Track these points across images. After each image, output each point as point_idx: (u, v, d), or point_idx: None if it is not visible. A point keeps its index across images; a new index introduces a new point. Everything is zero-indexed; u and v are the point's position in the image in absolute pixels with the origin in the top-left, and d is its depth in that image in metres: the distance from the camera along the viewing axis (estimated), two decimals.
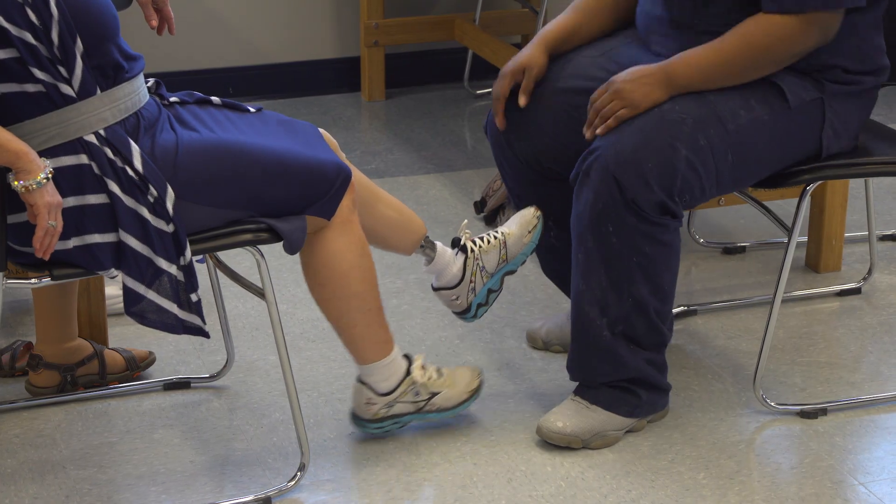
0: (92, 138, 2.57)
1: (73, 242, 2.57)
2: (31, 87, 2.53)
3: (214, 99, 2.84)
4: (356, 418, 2.93)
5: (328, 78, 5.10)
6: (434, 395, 2.93)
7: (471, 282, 3.01)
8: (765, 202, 3.28)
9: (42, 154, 2.52)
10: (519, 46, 5.08)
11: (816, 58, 2.87)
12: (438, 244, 3.01)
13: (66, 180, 2.55)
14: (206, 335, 2.68)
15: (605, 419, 2.92)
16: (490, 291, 3.03)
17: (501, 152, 3.10)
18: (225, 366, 3.18)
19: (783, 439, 3.00)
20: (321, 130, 2.89)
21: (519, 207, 3.12)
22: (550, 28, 3.07)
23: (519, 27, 5.13)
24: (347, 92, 5.10)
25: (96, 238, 2.58)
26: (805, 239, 3.74)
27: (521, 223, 3.03)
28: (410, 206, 4.00)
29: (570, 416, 2.92)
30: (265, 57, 5.03)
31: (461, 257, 3.00)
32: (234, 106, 2.86)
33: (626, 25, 3.11)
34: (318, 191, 2.72)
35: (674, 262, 2.87)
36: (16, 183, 2.46)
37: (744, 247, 3.85)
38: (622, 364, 2.89)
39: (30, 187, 2.46)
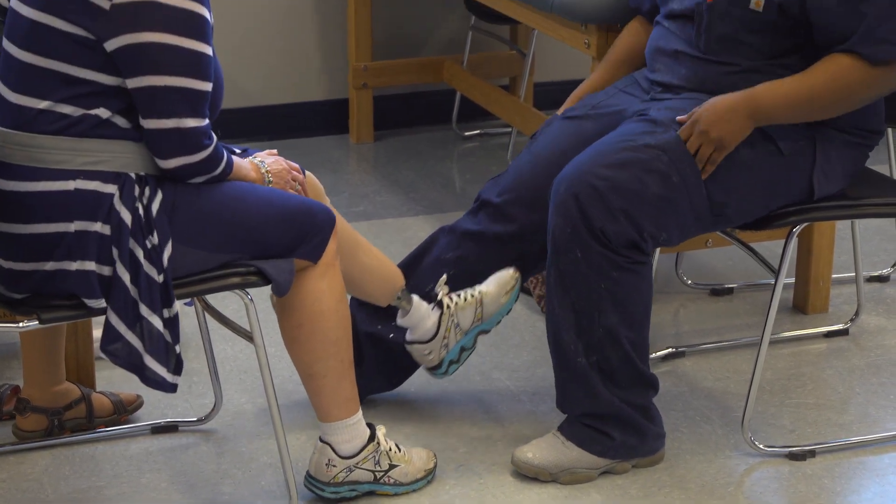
0: (133, 175, 2.60)
1: (74, 266, 2.58)
2: (104, 113, 2.57)
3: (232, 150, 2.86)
4: (312, 480, 2.86)
5: (316, 120, 5.11)
6: (393, 467, 2.89)
7: (444, 338, 3.01)
8: (752, 243, 3.30)
9: (79, 175, 2.56)
10: (507, 88, 5.11)
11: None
12: (415, 297, 3.01)
13: (82, 204, 2.57)
14: (171, 390, 2.67)
15: (577, 456, 2.92)
16: (463, 349, 3.04)
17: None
18: (213, 409, 3.17)
19: (772, 481, 3.00)
20: (307, 174, 2.90)
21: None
22: (582, 89, 3.21)
23: (507, 69, 5.15)
24: (336, 134, 5.11)
25: (92, 266, 2.59)
26: (792, 280, 3.74)
27: (499, 283, 3.03)
28: (398, 249, 4.02)
29: (544, 448, 2.93)
30: (254, 99, 5.04)
31: (437, 312, 3.00)
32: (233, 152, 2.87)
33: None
34: (307, 234, 2.73)
35: (645, 290, 2.87)
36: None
37: (731, 288, 3.86)
38: (595, 395, 2.88)
39: (268, 183, 2.73)
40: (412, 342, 3.02)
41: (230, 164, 2.68)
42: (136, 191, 2.60)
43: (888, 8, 2.80)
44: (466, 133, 5.11)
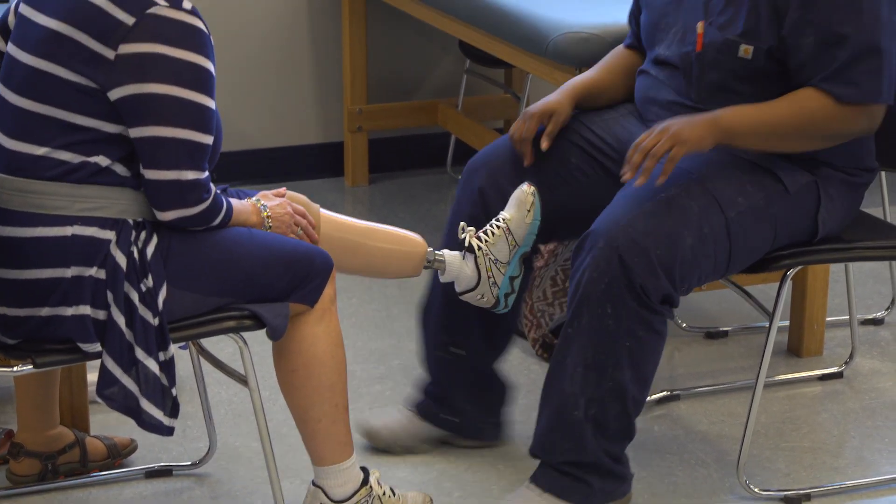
0: (130, 221, 2.61)
1: (70, 311, 2.58)
2: (103, 161, 2.58)
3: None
4: None
5: (312, 163, 5.12)
6: None
7: (489, 277, 2.98)
8: (746, 286, 3.30)
9: (76, 220, 2.56)
10: (501, 132, 5.12)
11: (812, 155, 2.91)
12: (446, 253, 2.98)
13: (79, 250, 2.58)
14: (168, 433, 2.66)
15: None
16: (512, 279, 3.00)
17: (481, 196, 3.08)
18: (207, 453, 3.16)
19: None
20: (301, 196, 2.89)
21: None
22: (580, 80, 3.12)
23: (501, 112, 5.17)
24: (331, 177, 5.12)
25: (87, 311, 2.59)
26: (787, 323, 3.75)
27: (518, 204, 2.96)
28: (393, 291, 4.02)
29: None
30: (249, 142, 5.06)
31: (471, 258, 2.97)
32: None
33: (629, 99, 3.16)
34: (303, 278, 2.73)
35: (660, 352, 2.87)
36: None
37: (726, 331, 3.86)
38: (583, 447, 2.87)
39: (267, 228, 2.73)
40: (462, 292, 2.99)
41: (229, 213, 2.68)
42: (133, 235, 2.60)
43: (862, 53, 2.79)
44: (461, 176, 5.11)
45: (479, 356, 3.17)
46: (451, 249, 3.02)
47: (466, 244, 2.98)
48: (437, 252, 2.99)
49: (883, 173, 3.51)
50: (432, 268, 2.99)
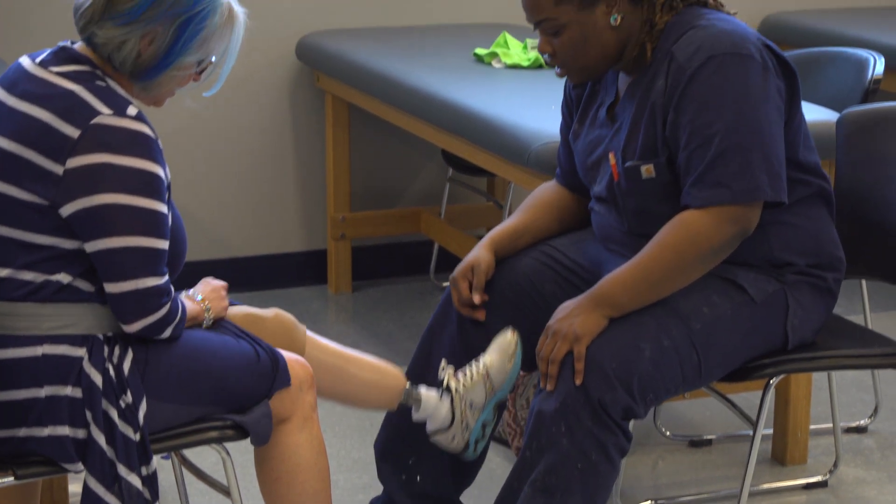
0: (99, 336, 2.60)
1: (46, 432, 2.56)
2: (65, 278, 2.57)
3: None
4: None
5: (295, 271, 5.13)
6: None
7: (462, 420, 2.96)
8: (729, 394, 3.30)
9: (45, 340, 2.55)
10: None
11: (769, 255, 2.90)
12: (423, 390, 2.95)
13: (51, 369, 2.56)
14: None
15: None
16: (485, 425, 2.97)
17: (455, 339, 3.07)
18: None
19: None
20: (288, 316, 2.89)
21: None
22: (498, 228, 3.12)
23: (484, 221, 5.20)
24: (314, 284, 5.13)
25: (66, 431, 2.57)
26: (770, 431, 3.74)
27: (501, 349, 2.94)
28: None
29: None
30: (232, 250, 5.07)
31: (447, 398, 2.95)
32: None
33: (571, 227, 3.14)
34: (274, 366, 2.72)
35: (611, 486, 2.80)
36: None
37: (710, 440, 3.85)
38: None
39: (209, 322, 2.76)
40: (434, 432, 2.96)
41: (184, 310, 2.67)
42: (106, 351, 2.59)
43: (729, 152, 2.74)
44: (444, 284, 5.13)
45: (443, 488, 3.15)
46: (424, 362, 3.00)
47: (445, 384, 2.96)
48: (414, 389, 2.97)
49: (863, 281, 3.53)
50: (408, 404, 2.97)
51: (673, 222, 2.78)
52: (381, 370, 2.97)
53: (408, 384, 2.96)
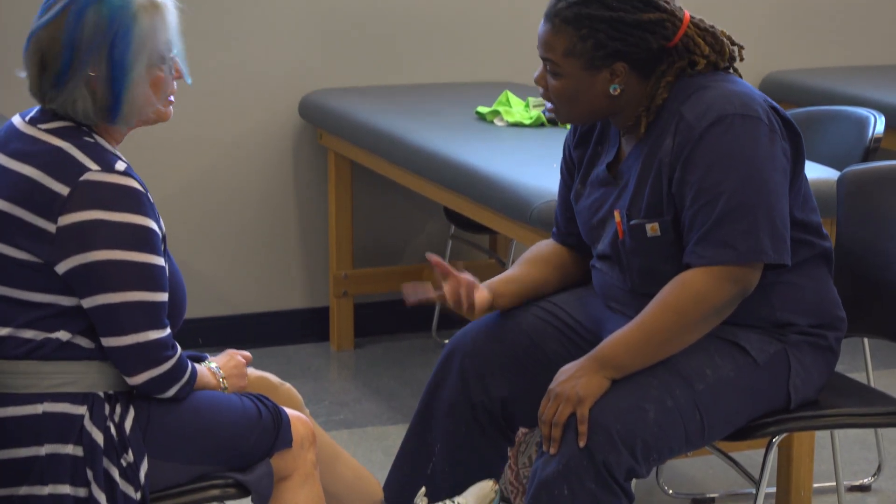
0: (100, 393, 2.59)
1: (47, 490, 2.55)
2: (64, 336, 2.57)
3: None
4: None
5: (297, 328, 5.13)
6: None
7: None
8: (732, 452, 3.29)
9: (46, 398, 2.55)
10: None
11: (771, 316, 2.90)
12: None
13: (52, 427, 2.55)
14: None
15: None
16: None
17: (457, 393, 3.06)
18: None
19: None
20: (287, 385, 2.90)
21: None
22: (496, 277, 3.14)
23: (486, 277, 5.11)
24: (316, 342, 5.13)
25: (67, 489, 2.56)
26: (773, 490, 3.73)
27: (479, 496, 2.95)
28: (378, 458, 4.00)
29: None
30: (235, 307, 5.07)
31: None
32: (197, 359, 2.88)
33: (570, 283, 3.13)
34: (277, 426, 2.72)
35: None
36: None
37: (713, 498, 3.83)
38: None
39: (223, 389, 2.74)
40: None
41: (194, 374, 2.67)
42: (107, 409, 2.58)
43: (734, 212, 2.74)
44: (446, 341, 5.11)
45: None
46: (425, 419, 3.00)
47: None
48: None
49: (865, 339, 3.53)
50: None
51: (674, 282, 2.78)
52: (364, 476, 2.96)
53: (383, 500, 2.96)
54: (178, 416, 2.65)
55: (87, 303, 2.55)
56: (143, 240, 2.55)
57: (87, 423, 2.56)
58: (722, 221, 2.75)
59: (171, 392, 2.63)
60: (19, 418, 2.56)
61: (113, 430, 2.58)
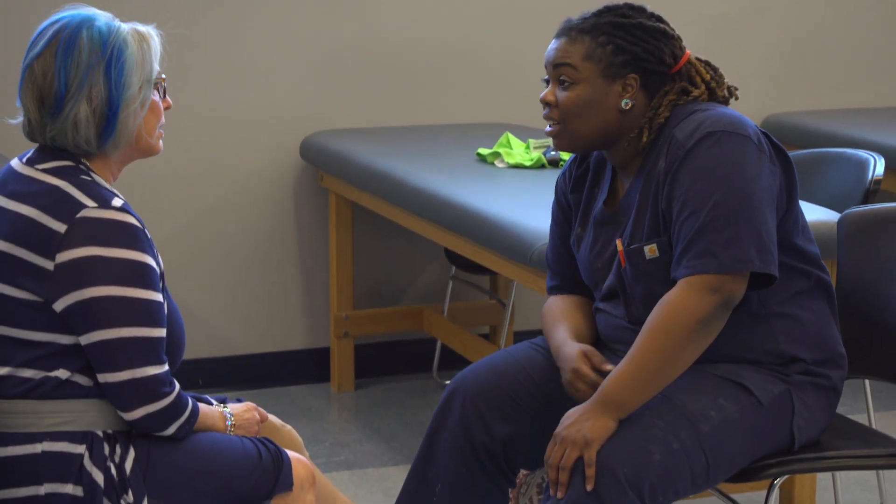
0: (100, 433, 2.59)
1: None
2: (63, 374, 2.57)
3: None
4: None
5: (297, 369, 5.13)
6: None
7: None
8: (733, 494, 3.28)
9: (45, 437, 2.55)
10: (487, 337, 5.14)
11: (775, 349, 2.90)
12: None
13: (51, 467, 2.55)
14: None
15: None
16: None
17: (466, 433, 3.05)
18: None
19: None
20: (288, 427, 2.90)
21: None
22: (566, 333, 3.01)
23: (487, 318, 5.20)
24: (316, 382, 5.12)
25: None
26: None
27: None
28: (379, 499, 4.00)
29: None
30: (235, 348, 5.07)
31: None
32: (198, 399, 2.87)
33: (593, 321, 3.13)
34: (278, 469, 2.71)
35: None
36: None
37: None
38: None
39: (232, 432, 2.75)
40: None
41: (195, 411, 2.67)
42: (106, 449, 2.58)
43: (717, 222, 2.74)
44: (447, 382, 5.12)
45: None
46: (426, 460, 2.99)
47: None
48: None
49: (867, 381, 3.52)
50: None
51: (657, 305, 2.78)
52: None
53: None
54: (179, 457, 2.64)
55: (84, 339, 2.55)
56: (140, 275, 2.55)
57: (87, 463, 2.56)
58: (704, 230, 2.75)
59: (171, 430, 2.62)
60: (18, 458, 2.56)
61: (113, 471, 2.57)
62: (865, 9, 5.76)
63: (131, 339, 2.55)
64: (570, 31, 2.88)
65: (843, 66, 5.76)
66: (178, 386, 2.63)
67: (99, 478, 2.56)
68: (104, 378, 2.56)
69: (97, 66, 2.59)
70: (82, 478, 2.56)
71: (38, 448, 2.56)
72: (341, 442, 4.57)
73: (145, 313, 2.56)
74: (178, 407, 2.61)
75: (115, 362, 2.55)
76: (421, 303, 5.22)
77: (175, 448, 2.64)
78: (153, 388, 2.57)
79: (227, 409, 2.80)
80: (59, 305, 2.54)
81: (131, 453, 2.60)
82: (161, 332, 2.58)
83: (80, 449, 2.57)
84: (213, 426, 2.73)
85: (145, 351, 2.56)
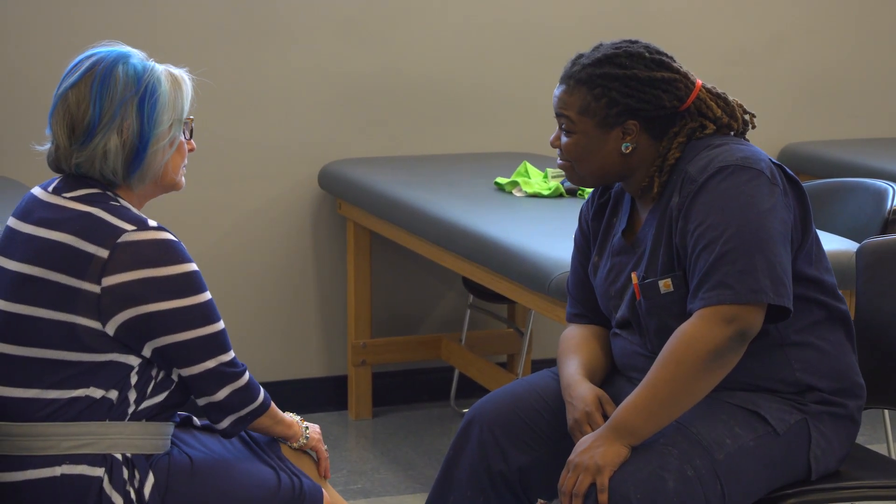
0: (119, 456, 2.60)
1: None
2: (96, 393, 2.60)
3: (195, 420, 2.88)
4: None
5: (315, 397, 5.13)
6: None
7: None
8: None
9: (64, 459, 2.56)
10: (504, 366, 5.14)
11: (792, 378, 2.89)
12: None
13: (70, 490, 2.56)
14: None
15: None
16: None
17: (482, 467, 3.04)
18: None
19: None
20: (306, 455, 2.90)
21: None
22: (580, 371, 3.02)
23: (504, 347, 5.20)
24: (334, 410, 5.13)
25: None
26: None
27: None
28: None
29: None
30: (253, 375, 5.06)
31: None
32: (212, 429, 2.89)
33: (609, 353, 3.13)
34: (299, 498, 2.73)
35: None
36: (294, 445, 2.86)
37: None
38: None
39: (301, 446, 2.86)
40: None
41: (268, 397, 2.77)
42: (125, 473, 2.59)
43: (730, 254, 2.74)
44: (464, 410, 5.11)
45: None
46: (444, 488, 2.98)
47: None
48: None
49: (886, 412, 3.51)
50: None
51: (672, 336, 2.78)
52: None
53: None
54: (196, 484, 2.65)
55: (152, 345, 2.61)
56: (191, 284, 2.63)
57: (107, 487, 2.57)
58: (719, 263, 2.75)
59: (254, 405, 2.72)
60: (37, 481, 2.57)
61: (133, 495, 2.58)
62: (884, 40, 5.76)
63: (203, 336, 2.64)
64: (570, 80, 2.89)
65: (861, 96, 5.76)
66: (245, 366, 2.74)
67: (119, 501, 2.56)
68: (187, 371, 2.65)
69: (131, 101, 2.63)
70: (101, 501, 2.56)
71: (56, 471, 2.57)
72: (359, 470, 4.56)
73: (205, 314, 2.65)
74: (254, 386, 2.73)
75: (189, 359, 2.64)
76: (438, 331, 5.22)
77: (193, 476, 2.65)
78: (230, 371, 2.68)
79: (303, 421, 2.89)
80: (112, 325, 2.58)
81: (150, 479, 2.60)
82: (221, 325, 2.68)
83: (100, 472, 2.58)
84: (290, 426, 2.85)
85: (218, 342, 2.67)
